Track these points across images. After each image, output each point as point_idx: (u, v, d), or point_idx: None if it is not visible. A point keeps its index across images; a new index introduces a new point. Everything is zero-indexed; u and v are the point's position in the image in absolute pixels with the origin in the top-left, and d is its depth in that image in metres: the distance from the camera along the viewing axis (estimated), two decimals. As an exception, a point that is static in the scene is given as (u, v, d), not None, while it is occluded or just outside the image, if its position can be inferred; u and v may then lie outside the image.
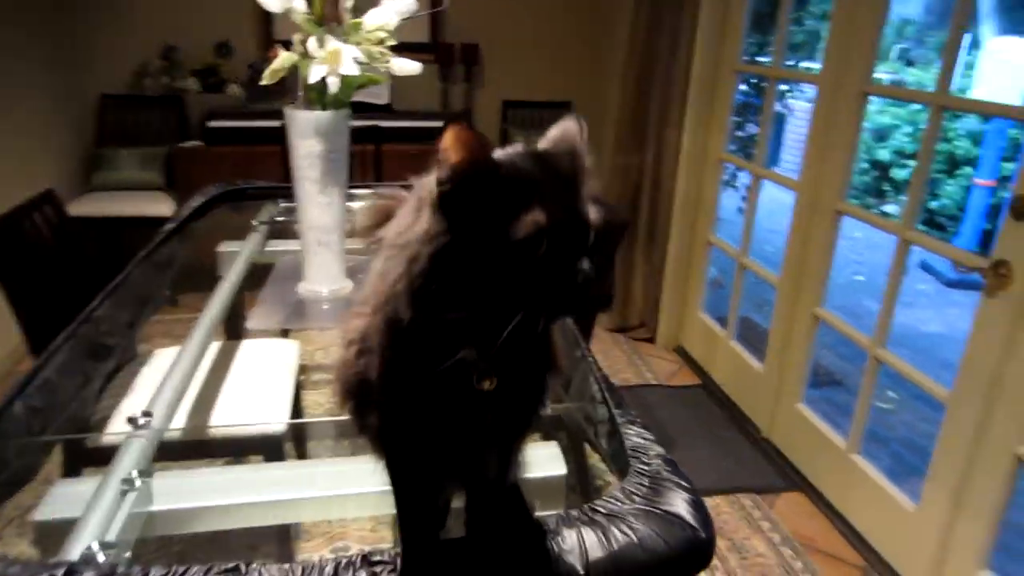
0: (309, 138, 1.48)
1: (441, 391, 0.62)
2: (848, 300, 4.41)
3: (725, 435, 2.69)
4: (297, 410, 1.95)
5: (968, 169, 5.91)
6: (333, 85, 1.39)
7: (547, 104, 4.41)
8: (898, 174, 6.57)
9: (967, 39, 6.96)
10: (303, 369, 2.30)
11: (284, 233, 2.04)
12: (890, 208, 6.46)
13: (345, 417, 0.75)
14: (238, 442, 1.57)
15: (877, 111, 6.90)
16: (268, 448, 1.54)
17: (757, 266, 2.82)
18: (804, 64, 5.09)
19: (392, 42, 1.42)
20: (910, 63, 7.80)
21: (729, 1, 2.90)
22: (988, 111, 5.35)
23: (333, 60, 1.37)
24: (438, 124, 4.00)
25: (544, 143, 0.63)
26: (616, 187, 3.48)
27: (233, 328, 1.96)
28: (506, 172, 0.55)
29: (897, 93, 5.68)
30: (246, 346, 1.85)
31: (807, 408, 2.48)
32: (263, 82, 1.43)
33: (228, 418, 1.50)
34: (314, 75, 1.37)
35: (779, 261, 2.60)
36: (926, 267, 5.07)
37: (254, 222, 2.02)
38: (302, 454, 2.03)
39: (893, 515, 2.04)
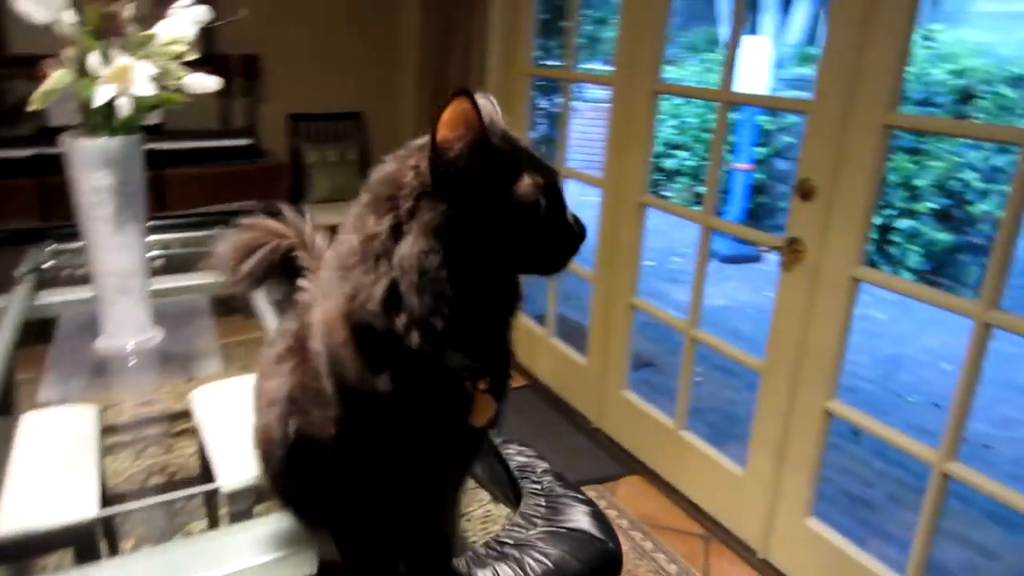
0: (97, 170, 1.29)
1: (435, 406, 0.59)
2: (645, 285, 4.72)
3: (559, 431, 2.74)
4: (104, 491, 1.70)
5: (727, 155, 6.55)
6: (124, 107, 1.21)
7: (338, 116, 4.26)
8: (666, 163, 7.15)
9: (709, 36, 7.74)
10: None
11: (60, 281, 1.78)
12: (667, 194, 7.01)
13: (178, 494, 0.68)
14: (35, 542, 1.32)
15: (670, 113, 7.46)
16: (77, 542, 1.31)
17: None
18: (584, 66, 5.37)
19: (193, 55, 1.27)
20: (667, 62, 8.55)
21: (518, 6, 2.96)
22: (767, 104, 5.95)
23: (122, 78, 1.19)
24: (221, 144, 3.73)
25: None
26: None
27: (5, 403, 1.67)
28: (497, 144, 0.56)
29: (686, 92, 6.13)
30: (29, 421, 1.58)
31: (632, 393, 2.60)
32: (31, 107, 1.22)
33: (18, 514, 1.26)
34: (100, 96, 1.19)
35: (589, 256, 2.70)
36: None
37: (18, 272, 1.74)
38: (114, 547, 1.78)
39: (724, 482, 2.19)
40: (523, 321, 3.24)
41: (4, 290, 1.65)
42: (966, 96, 4.90)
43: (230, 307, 1.79)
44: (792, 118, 6.27)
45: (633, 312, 2.55)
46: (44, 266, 1.82)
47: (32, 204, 3.37)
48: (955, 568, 2.20)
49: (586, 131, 6.34)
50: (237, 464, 1.41)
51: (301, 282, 0.81)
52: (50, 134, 3.08)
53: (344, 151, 4.17)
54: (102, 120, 1.28)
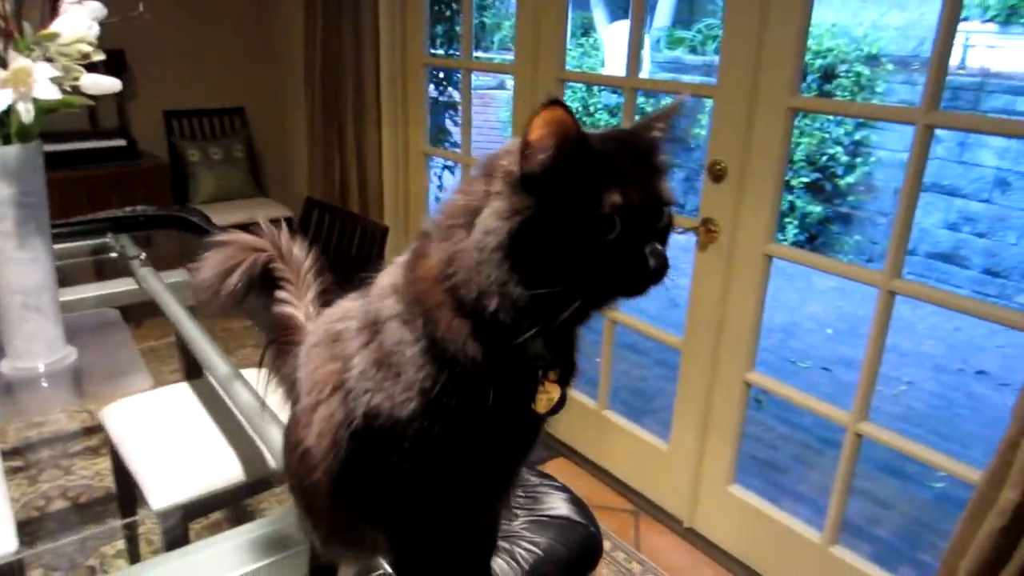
0: (-6, 181, 1.17)
1: (511, 385, 0.57)
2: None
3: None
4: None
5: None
6: (26, 113, 1.10)
7: (217, 111, 4.06)
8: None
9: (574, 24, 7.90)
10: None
11: None
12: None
13: (98, 528, 0.65)
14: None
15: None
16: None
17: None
18: (476, 55, 5.36)
19: (99, 56, 1.17)
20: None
21: (408, -4, 2.92)
22: (673, 90, 6.04)
23: (21, 82, 1.09)
24: (93, 145, 3.47)
25: (634, 123, 0.60)
26: (321, 187, 3.34)
27: None
28: (594, 151, 0.53)
29: (593, 79, 6.18)
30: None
31: (553, 378, 2.63)
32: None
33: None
34: (0, 101, 1.08)
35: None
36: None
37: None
38: None
39: (649, 457, 2.26)
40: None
41: None
42: (828, 75, 5.24)
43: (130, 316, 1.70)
44: (668, 100, 6.51)
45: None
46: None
47: None
48: (858, 519, 2.37)
49: (474, 118, 6.34)
50: (168, 483, 1.35)
51: (280, 294, 0.78)
52: None
53: (229, 148, 3.98)
54: (-6, 127, 1.16)
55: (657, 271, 0.54)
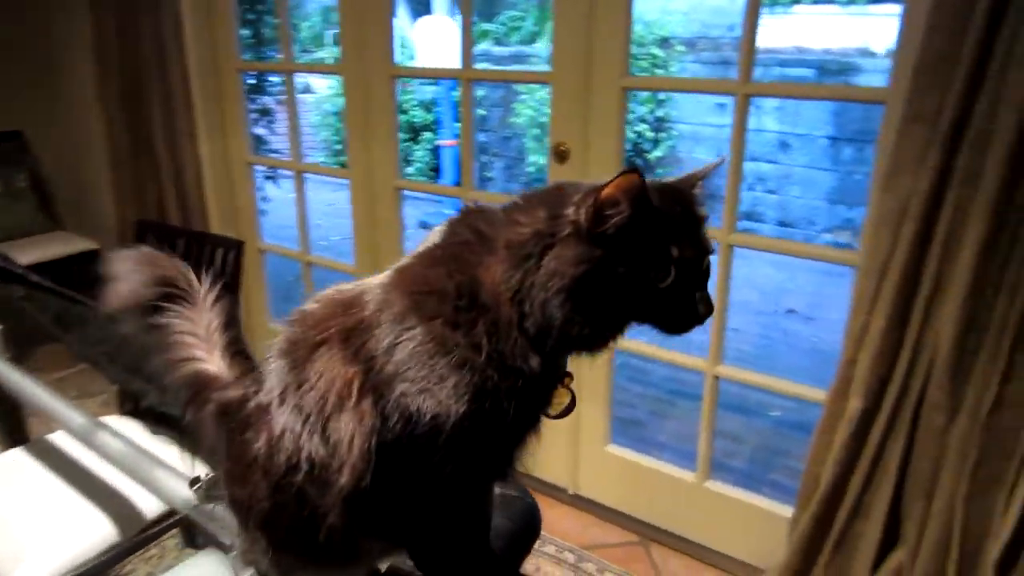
0: None
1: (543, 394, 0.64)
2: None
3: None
4: None
5: (429, 134, 6.77)
6: None
7: (-14, 139, 3.63)
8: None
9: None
10: None
11: None
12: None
13: None
14: None
15: (337, 94, 7.39)
16: None
17: (329, 260, 2.86)
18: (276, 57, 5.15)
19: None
20: (329, 45, 8.53)
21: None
22: (509, 79, 6.05)
23: None
24: None
25: (679, 178, 0.67)
26: (133, 210, 3.10)
27: None
28: (658, 211, 0.59)
29: (426, 73, 6.11)
30: None
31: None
32: None
33: None
34: None
35: (345, 249, 2.67)
36: (426, 225, 5.72)
37: None
38: None
39: (526, 433, 2.35)
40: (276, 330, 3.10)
41: None
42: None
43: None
44: (481, 91, 6.66)
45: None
46: None
47: None
48: (719, 456, 2.58)
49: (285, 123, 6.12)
50: (34, 558, 1.22)
51: (183, 342, 0.75)
52: None
53: (8, 179, 3.57)
54: None
55: (705, 315, 0.62)
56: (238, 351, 0.77)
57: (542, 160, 5.98)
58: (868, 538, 1.47)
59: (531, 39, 7.24)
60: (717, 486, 1.99)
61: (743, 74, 1.72)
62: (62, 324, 1.64)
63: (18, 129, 3.70)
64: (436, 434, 0.58)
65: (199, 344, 0.76)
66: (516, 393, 0.59)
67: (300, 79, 7.11)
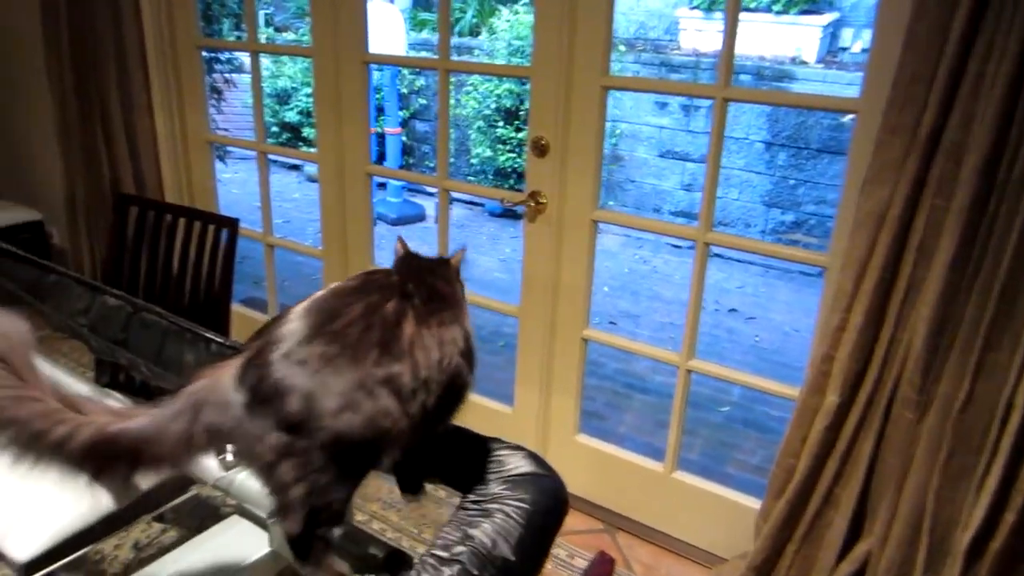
0: None
1: None
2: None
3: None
4: None
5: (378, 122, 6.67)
6: None
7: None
8: (309, 133, 7.04)
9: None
10: None
11: None
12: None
13: None
14: None
15: (273, 76, 7.21)
16: None
17: (294, 243, 2.81)
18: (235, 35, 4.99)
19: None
20: (279, 29, 8.31)
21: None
22: (489, 71, 5.90)
23: None
24: None
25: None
26: (85, 183, 2.97)
27: None
28: None
29: (401, 61, 6.04)
30: None
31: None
32: None
33: None
34: None
35: (304, 240, 2.64)
36: (375, 214, 5.66)
37: None
38: None
39: (495, 423, 2.38)
40: (240, 311, 3.04)
41: None
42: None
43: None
44: (422, 80, 6.62)
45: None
46: None
47: None
48: (702, 459, 2.67)
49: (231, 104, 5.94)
50: (25, 527, 1.20)
51: None
52: None
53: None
54: None
55: None
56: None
57: (486, 152, 6.00)
58: (836, 528, 1.57)
59: (472, 31, 7.24)
60: (684, 476, 2.08)
61: (723, 78, 1.79)
62: (36, 293, 1.58)
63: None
64: None
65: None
66: None
67: (235, 59, 6.92)
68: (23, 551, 1.18)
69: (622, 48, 5.94)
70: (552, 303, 2.16)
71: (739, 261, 4.89)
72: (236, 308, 3.06)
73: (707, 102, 5.37)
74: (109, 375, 1.84)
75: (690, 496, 2.06)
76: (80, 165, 2.98)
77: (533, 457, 1.08)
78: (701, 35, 6.31)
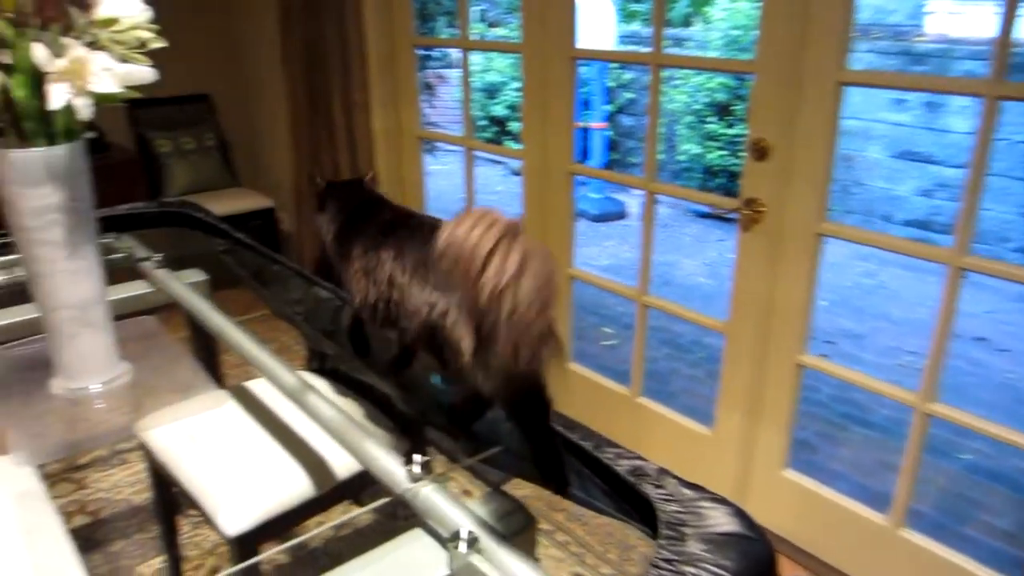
0: (39, 186, 1.03)
1: None
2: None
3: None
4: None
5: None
6: (84, 108, 0.97)
7: (181, 99, 3.85)
8: (515, 127, 7.12)
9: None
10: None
11: None
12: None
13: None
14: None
15: (483, 70, 7.38)
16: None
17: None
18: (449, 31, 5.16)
19: (159, 43, 1.03)
20: (491, 24, 8.49)
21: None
22: (706, 67, 5.83)
23: (78, 74, 0.95)
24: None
25: None
26: (309, 172, 3.19)
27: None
28: None
29: (612, 56, 5.84)
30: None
31: (578, 364, 2.56)
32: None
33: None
34: (56, 98, 0.94)
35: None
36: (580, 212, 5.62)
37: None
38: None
39: (691, 444, 2.21)
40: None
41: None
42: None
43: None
44: (630, 74, 6.44)
45: (572, 283, 2.51)
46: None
47: None
48: (935, 514, 2.32)
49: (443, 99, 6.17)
50: (239, 505, 1.26)
51: None
52: None
53: (200, 137, 3.78)
54: (38, 126, 1.02)
55: None
56: None
57: (695, 149, 5.73)
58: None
59: (685, 21, 6.93)
60: (912, 535, 1.79)
61: (996, 73, 1.49)
62: (260, 280, 1.69)
63: (206, 92, 3.91)
64: None
65: None
66: None
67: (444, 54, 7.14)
68: (234, 526, 1.24)
69: (855, 35, 5.40)
70: (764, 322, 1.95)
71: (989, 283, 4.24)
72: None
73: (955, 99, 4.73)
74: (319, 361, 1.92)
75: (919, 559, 1.77)
76: (305, 158, 3.19)
77: (740, 514, 0.94)
78: (954, 19, 5.58)
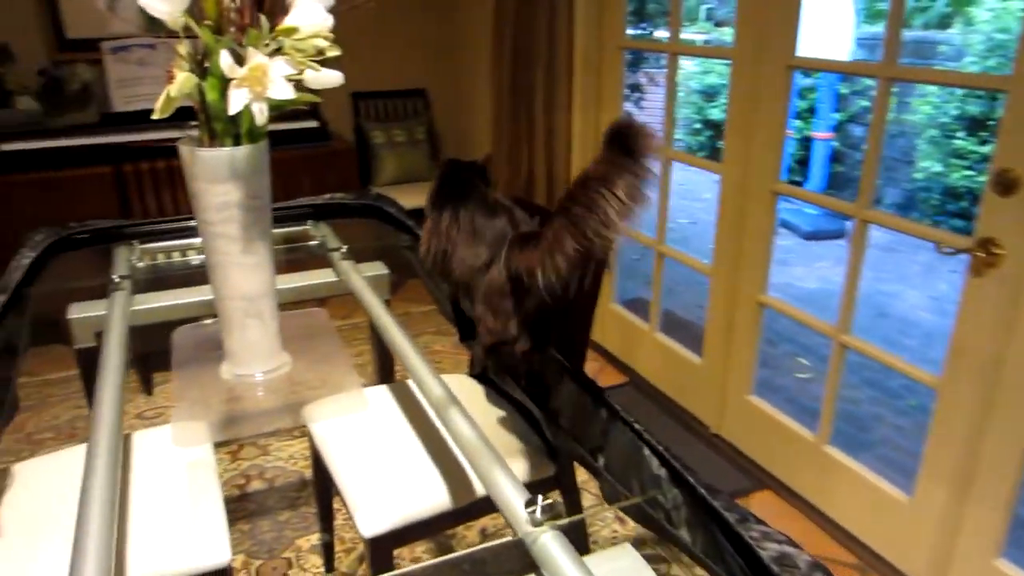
0: (223, 183, 1.08)
1: None
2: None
3: (672, 437, 2.53)
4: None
5: (797, 122, 6.17)
6: (260, 114, 1.00)
7: (400, 93, 4.06)
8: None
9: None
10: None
11: (153, 285, 1.62)
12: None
13: None
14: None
15: (702, 72, 7.08)
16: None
17: (683, 255, 2.67)
18: (656, 33, 5.02)
19: (334, 51, 1.05)
20: (719, 23, 8.11)
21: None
22: (950, 82, 5.07)
23: (258, 80, 0.98)
24: (288, 127, 3.49)
25: None
26: (505, 175, 3.22)
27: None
28: None
29: (833, 67, 4.96)
30: (139, 442, 1.41)
31: (760, 399, 2.37)
32: (156, 115, 1.01)
33: (147, 559, 1.09)
34: (235, 103, 0.98)
35: (702, 247, 2.45)
36: (784, 223, 5.25)
37: (115, 276, 1.54)
38: None
39: (884, 508, 1.95)
40: (618, 311, 3.02)
41: (96, 295, 1.50)
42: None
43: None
44: (868, 81, 5.85)
45: (762, 311, 2.31)
46: (138, 267, 1.66)
47: (97, 194, 3.23)
48: None
49: (652, 101, 6.01)
50: (377, 507, 1.27)
51: None
52: (114, 121, 2.92)
53: (411, 130, 3.96)
54: (226, 127, 1.08)
55: None
56: None
57: (935, 167, 5.11)
58: None
59: (941, 23, 6.18)
60: None
61: None
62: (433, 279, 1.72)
63: (423, 87, 4.10)
64: None
65: None
66: None
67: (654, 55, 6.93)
68: (370, 528, 1.26)
69: None
70: (989, 385, 1.66)
71: None
72: (614, 308, 3.04)
73: None
74: (481, 367, 1.93)
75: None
76: (504, 157, 3.22)
77: (819, 568, 0.80)
78: None
